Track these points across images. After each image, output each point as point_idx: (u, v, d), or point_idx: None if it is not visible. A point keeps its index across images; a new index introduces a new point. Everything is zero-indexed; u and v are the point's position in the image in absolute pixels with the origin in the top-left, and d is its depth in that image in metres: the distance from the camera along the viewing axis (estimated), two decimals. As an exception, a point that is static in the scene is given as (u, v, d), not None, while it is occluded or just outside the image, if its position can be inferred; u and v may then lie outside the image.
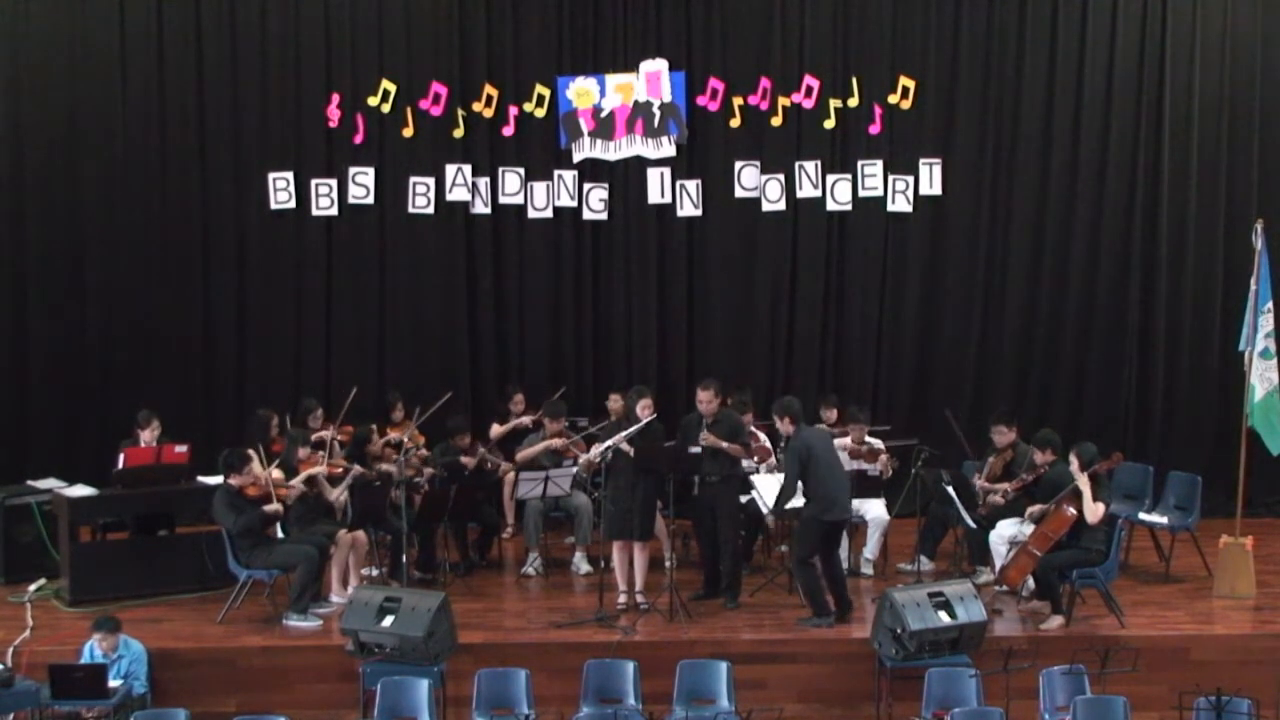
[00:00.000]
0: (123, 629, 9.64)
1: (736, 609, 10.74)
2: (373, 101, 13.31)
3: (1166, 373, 13.49)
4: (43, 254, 13.42)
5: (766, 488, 10.88)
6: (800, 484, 10.25)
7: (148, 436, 11.71)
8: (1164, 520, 11.70)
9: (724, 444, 10.57)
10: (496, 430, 12.52)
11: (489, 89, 13.34)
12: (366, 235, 13.50)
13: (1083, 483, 10.15)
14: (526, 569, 11.75)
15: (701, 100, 13.38)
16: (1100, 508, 10.15)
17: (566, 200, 13.48)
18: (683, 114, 13.36)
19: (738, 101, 13.34)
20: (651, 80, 13.36)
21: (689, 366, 13.53)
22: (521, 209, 13.51)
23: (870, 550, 11.59)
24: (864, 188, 13.41)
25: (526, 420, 12.56)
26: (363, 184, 13.38)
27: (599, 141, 13.43)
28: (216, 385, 13.58)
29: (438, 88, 13.29)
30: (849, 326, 13.64)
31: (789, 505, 10.77)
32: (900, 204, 13.42)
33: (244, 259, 13.52)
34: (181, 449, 11.49)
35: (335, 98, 13.31)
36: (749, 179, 13.43)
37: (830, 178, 13.41)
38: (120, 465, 11.44)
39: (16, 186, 13.36)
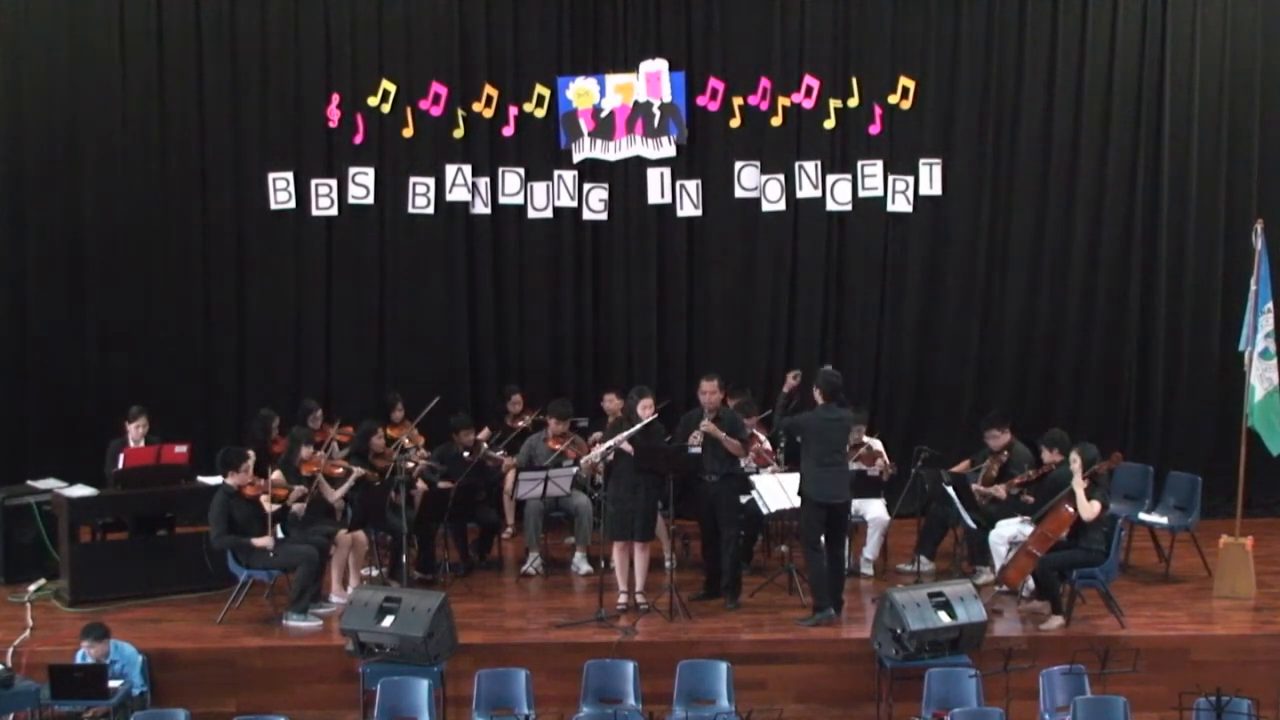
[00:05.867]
0: (111, 634, 9.59)
1: (737, 609, 10.74)
2: (373, 101, 13.31)
3: (1166, 373, 13.49)
4: (43, 254, 13.42)
5: (767, 488, 10.89)
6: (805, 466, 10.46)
7: (135, 433, 11.66)
8: (1164, 520, 11.70)
9: (722, 434, 10.57)
10: (487, 434, 12.50)
11: (489, 89, 13.35)
12: (366, 235, 13.50)
13: (1078, 483, 10.15)
14: (526, 569, 11.76)
15: (701, 100, 13.38)
16: (1095, 506, 10.14)
17: (566, 200, 13.48)
18: (683, 114, 13.36)
19: (738, 101, 13.35)
20: (651, 80, 13.36)
21: (689, 366, 13.52)
22: (521, 209, 13.51)
23: (870, 550, 11.60)
24: (864, 188, 13.41)
25: (525, 423, 12.56)
26: (363, 184, 13.39)
27: (599, 142, 13.43)
28: (216, 385, 13.58)
29: (438, 88, 13.29)
30: (849, 326, 13.65)
31: (786, 505, 10.81)
32: (900, 204, 13.42)
33: (244, 259, 13.52)
34: (181, 449, 11.49)
35: (335, 98, 13.32)
36: (749, 179, 13.43)
37: (830, 178, 13.41)
38: (120, 465, 11.44)
39: (16, 186, 13.36)
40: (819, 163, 13.39)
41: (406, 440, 11.76)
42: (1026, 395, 13.53)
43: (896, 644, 9.61)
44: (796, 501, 10.73)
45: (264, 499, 10.55)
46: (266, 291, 13.54)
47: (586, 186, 13.47)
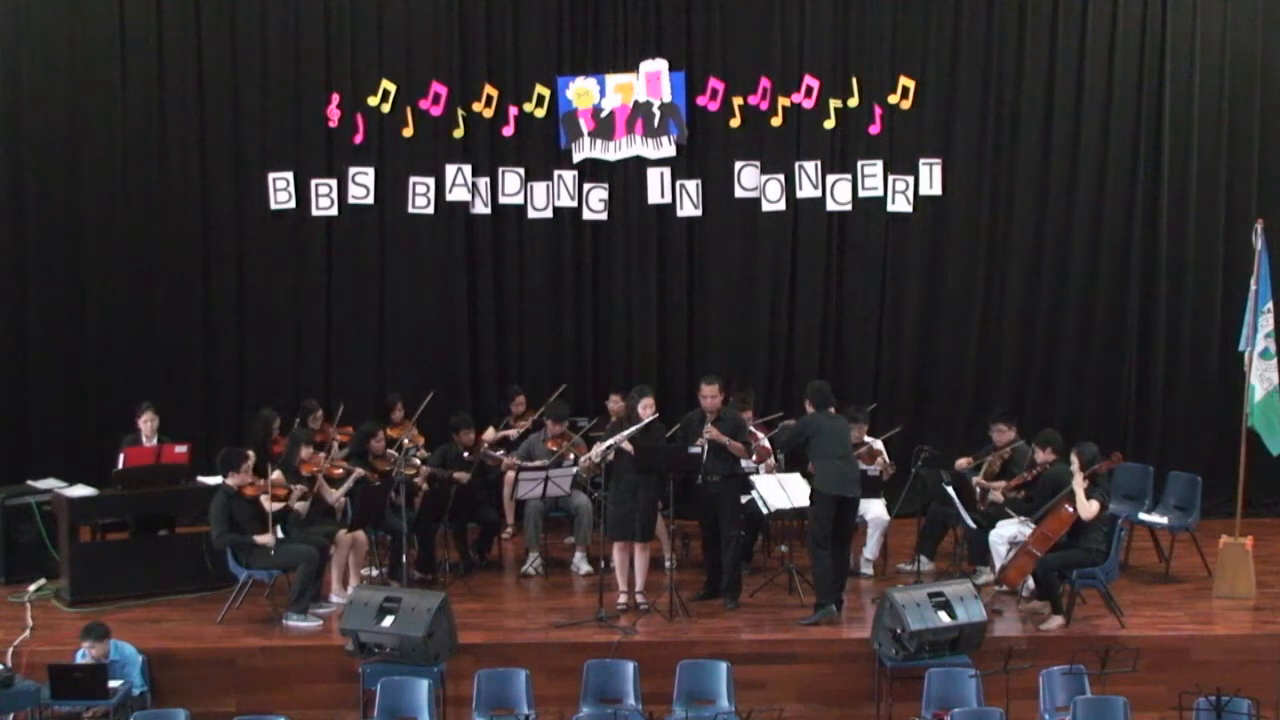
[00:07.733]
0: (111, 634, 9.60)
1: (736, 609, 10.74)
2: (373, 101, 13.31)
3: (1166, 373, 13.49)
4: (43, 254, 13.41)
5: (767, 488, 10.89)
6: (812, 465, 10.55)
7: (146, 428, 11.71)
8: (1164, 520, 11.70)
9: (726, 440, 10.58)
10: (491, 434, 12.52)
11: (489, 89, 13.35)
12: (366, 235, 13.50)
13: (1077, 483, 10.15)
14: (526, 569, 11.76)
15: (701, 100, 13.38)
16: (1095, 505, 10.14)
17: (566, 200, 13.48)
18: (683, 114, 13.36)
19: (738, 101, 13.34)
20: (651, 80, 13.36)
21: (689, 366, 13.52)
22: (521, 209, 13.52)
23: (870, 550, 11.60)
24: (864, 188, 13.41)
25: (526, 423, 12.57)
26: (363, 184, 13.39)
27: (599, 141, 13.43)
28: (216, 385, 13.58)
29: (438, 88, 13.29)
30: (849, 326, 13.64)
31: (786, 505, 10.81)
32: (900, 204, 13.42)
33: (244, 259, 13.52)
34: (181, 449, 11.50)
35: (335, 98, 13.32)
36: (749, 179, 13.43)
37: (830, 178, 13.41)
38: (120, 465, 11.45)
39: (16, 186, 13.36)
40: (819, 163, 13.39)
41: (406, 441, 11.75)
42: (1026, 395, 13.52)
43: (896, 644, 9.61)
44: (796, 501, 10.74)
45: (264, 499, 10.55)
46: (266, 291, 13.54)
47: (586, 186, 13.47)
